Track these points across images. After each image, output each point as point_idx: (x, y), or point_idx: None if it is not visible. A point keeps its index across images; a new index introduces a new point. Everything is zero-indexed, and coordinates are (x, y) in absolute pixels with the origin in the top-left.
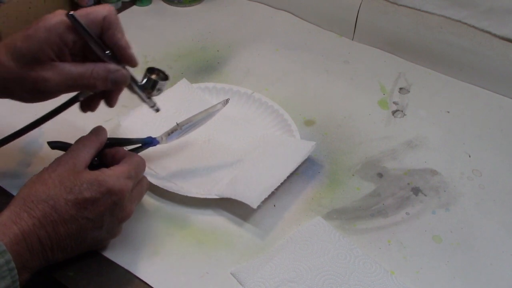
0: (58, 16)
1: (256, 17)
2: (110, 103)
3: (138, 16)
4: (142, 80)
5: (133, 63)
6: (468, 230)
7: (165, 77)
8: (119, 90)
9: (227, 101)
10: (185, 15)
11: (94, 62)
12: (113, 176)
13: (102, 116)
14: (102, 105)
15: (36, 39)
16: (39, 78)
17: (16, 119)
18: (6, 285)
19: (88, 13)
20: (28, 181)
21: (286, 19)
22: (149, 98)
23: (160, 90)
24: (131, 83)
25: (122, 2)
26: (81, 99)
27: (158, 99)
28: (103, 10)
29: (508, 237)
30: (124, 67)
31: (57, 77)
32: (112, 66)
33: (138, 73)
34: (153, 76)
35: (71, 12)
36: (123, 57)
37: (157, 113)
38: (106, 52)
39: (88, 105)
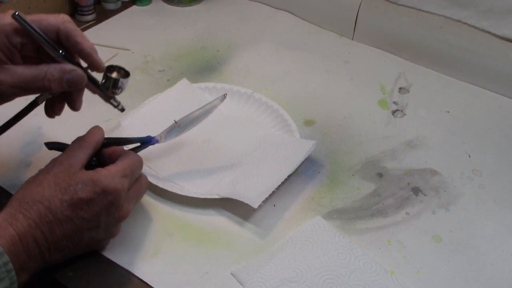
0: (7, 17)
1: (256, 17)
2: (73, 106)
3: (138, 16)
4: (102, 79)
5: (100, 69)
6: (468, 230)
7: (126, 74)
8: (79, 92)
9: (224, 96)
10: (185, 15)
11: (48, 64)
12: (108, 175)
13: (102, 116)
14: (102, 105)
15: None
16: None
17: None
18: (5, 287)
19: (41, 19)
20: (24, 183)
21: (286, 19)
22: (112, 97)
23: (121, 89)
24: (90, 83)
25: (122, 2)
26: (40, 103)
27: (157, 100)
28: (56, 19)
29: (508, 237)
30: (81, 67)
31: (10, 79)
32: (67, 66)
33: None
34: (113, 75)
35: (17, 13)
36: (89, 63)
37: (157, 112)
38: (60, 51)
39: (52, 109)
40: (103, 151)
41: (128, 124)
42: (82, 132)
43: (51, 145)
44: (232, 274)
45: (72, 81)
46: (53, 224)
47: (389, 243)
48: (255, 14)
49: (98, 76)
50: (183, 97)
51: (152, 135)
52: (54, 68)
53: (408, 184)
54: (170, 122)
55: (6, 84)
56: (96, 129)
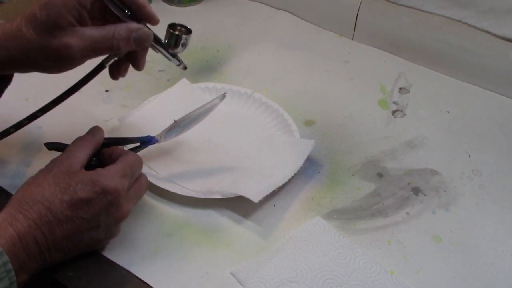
0: None
1: (256, 17)
2: (138, 65)
3: None
4: (165, 37)
5: (154, 21)
6: (468, 230)
7: (188, 31)
8: (144, 50)
9: (224, 95)
10: (185, 15)
11: (115, 24)
12: (107, 175)
13: (102, 116)
14: (102, 105)
15: (53, 5)
16: (62, 45)
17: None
18: (4, 287)
19: None
20: (24, 183)
21: (286, 19)
22: (175, 55)
23: (184, 46)
24: (154, 42)
25: None
26: (106, 65)
27: (157, 100)
28: None
29: (508, 237)
30: (145, 25)
31: (80, 42)
32: (134, 25)
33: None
34: (176, 32)
35: None
36: (142, 15)
37: (157, 112)
38: (125, 11)
39: (117, 71)
40: (103, 151)
41: (128, 124)
42: (82, 132)
43: (51, 145)
44: (232, 274)
45: (139, 39)
46: (53, 224)
47: (389, 243)
48: (255, 14)
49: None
50: (183, 97)
51: (152, 134)
52: (121, 28)
53: (408, 184)
54: (170, 122)
55: (76, 47)
56: (96, 129)
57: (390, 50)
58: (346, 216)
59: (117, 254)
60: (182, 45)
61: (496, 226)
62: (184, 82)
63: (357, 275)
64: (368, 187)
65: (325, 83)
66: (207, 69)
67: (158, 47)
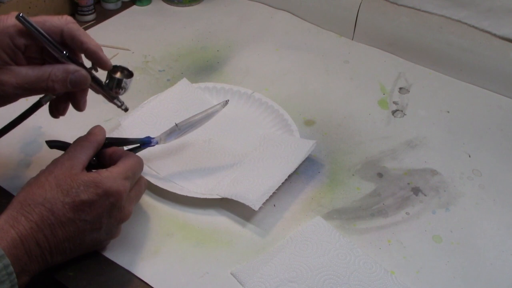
0: (11, 19)
1: (256, 17)
2: (78, 106)
3: (138, 16)
4: (106, 79)
5: (107, 66)
6: (468, 230)
7: (130, 75)
8: (83, 92)
9: (226, 102)
10: (185, 15)
11: (52, 64)
12: (110, 177)
13: (102, 116)
14: (102, 105)
15: None
16: None
17: None
18: None
19: (45, 21)
20: (25, 184)
21: (286, 19)
22: (116, 97)
23: (125, 89)
24: (94, 84)
25: (122, 2)
26: (44, 103)
27: (157, 100)
28: (60, 20)
29: (508, 237)
30: (85, 68)
31: (14, 80)
32: (71, 66)
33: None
34: (117, 75)
35: (21, 14)
36: (95, 61)
37: (157, 112)
38: (63, 52)
39: (56, 109)
40: (104, 151)
41: (128, 124)
42: (82, 132)
43: (52, 144)
44: (232, 274)
45: (75, 82)
46: (56, 226)
47: (389, 243)
48: (255, 14)
49: (102, 77)
50: (183, 97)
51: (152, 135)
52: (58, 69)
53: (408, 184)
54: (170, 122)
55: (10, 85)
56: (98, 129)
57: (390, 50)
58: (346, 216)
59: (117, 254)
60: (122, 88)
61: (496, 226)
62: (184, 82)
63: (357, 275)
64: (368, 187)
65: (325, 83)
66: (207, 69)
67: (98, 89)
